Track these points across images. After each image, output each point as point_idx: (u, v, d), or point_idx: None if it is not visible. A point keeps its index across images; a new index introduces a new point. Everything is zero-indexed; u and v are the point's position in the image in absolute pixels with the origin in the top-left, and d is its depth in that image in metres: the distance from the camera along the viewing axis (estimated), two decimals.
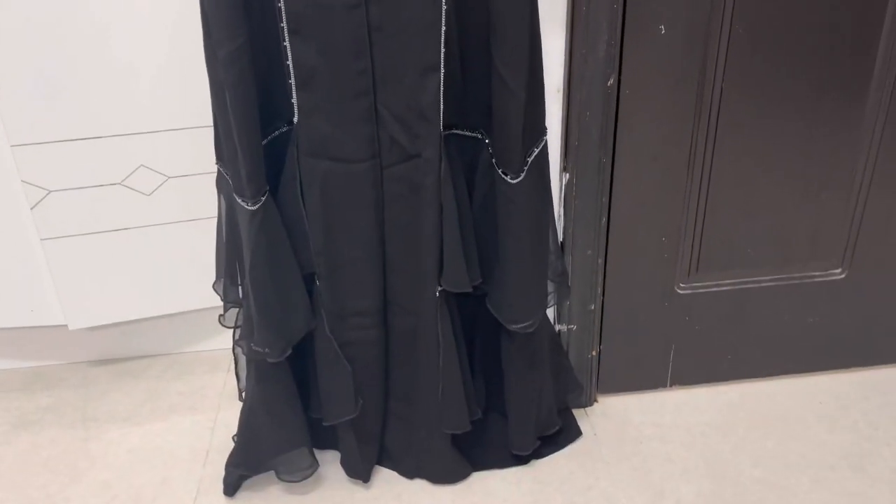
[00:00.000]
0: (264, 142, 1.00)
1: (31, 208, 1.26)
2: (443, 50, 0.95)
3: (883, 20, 1.11)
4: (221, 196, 1.05)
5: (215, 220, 1.14)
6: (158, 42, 1.17)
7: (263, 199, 0.97)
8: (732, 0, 1.07)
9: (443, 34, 0.94)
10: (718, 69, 1.12)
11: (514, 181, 1.01)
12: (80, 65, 1.17)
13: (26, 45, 1.14)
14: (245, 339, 1.09)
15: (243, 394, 1.18)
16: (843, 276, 1.31)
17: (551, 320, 1.28)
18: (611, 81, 1.09)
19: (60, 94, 1.18)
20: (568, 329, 1.28)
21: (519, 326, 1.09)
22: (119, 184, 1.28)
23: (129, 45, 1.17)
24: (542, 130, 1.04)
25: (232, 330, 1.14)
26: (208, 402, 1.38)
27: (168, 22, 1.16)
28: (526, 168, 1.02)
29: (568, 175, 1.17)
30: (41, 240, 1.29)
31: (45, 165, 1.23)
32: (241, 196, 0.97)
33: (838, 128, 1.19)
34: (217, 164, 1.03)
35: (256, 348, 1.05)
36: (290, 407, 1.13)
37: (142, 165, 1.27)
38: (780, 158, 1.20)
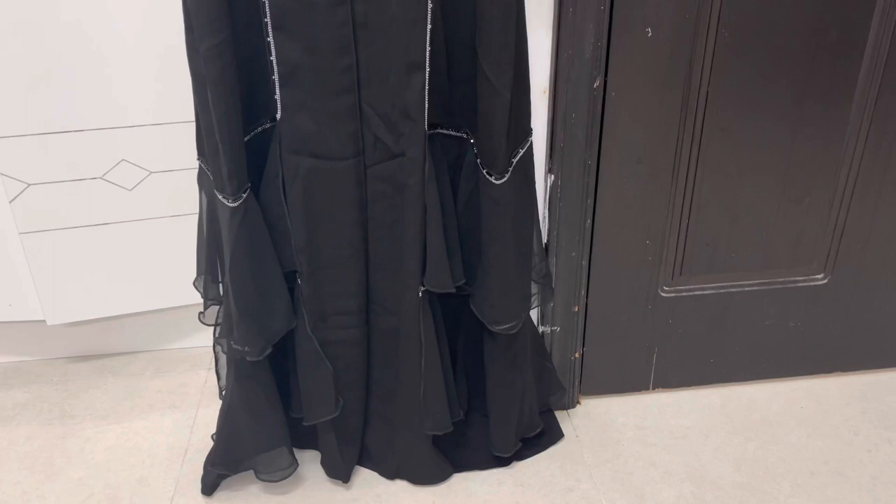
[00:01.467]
0: (247, 138, 0.99)
1: (10, 202, 1.24)
2: (428, 48, 0.94)
3: (869, 27, 1.11)
4: (203, 192, 1.04)
5: (194, 215, 1.13)
6: (140, 34, 1.16)
7: (245, 195, 0.96)
8: (718, 5, 1.07)
9: (428, 32, 0.94)
10: (704, 73, 1.12)
11: (499, 182, 1.00)
12: (61, 57, 1.15)
13: (6, 38, 1.12)
14: (225, 337, 1.08)
15: (223, 392, 1.17)
16: (825, 281, 1.31)
17: (535, 322, 1.28)
18: (597, 83, 1.09)
19: (41, 87, 1.17)
20: (551, 331, 1.28)
21: (502, 328, 1.09)
22: (100, 178, 1.26)
23: (111, 37, 1.15)
24: (528, 131, 1.03)
25: (212, 328, 1.13)
26: (188, 400, 1.37)
27: (150, 14, 1.14)
28: (511, 169, 1.01)
29: (553, 176, 1.16)
30: (19, 233, 1.27)
31: (25, 158, 1.22)
32: (222, 192, 0.96)
33: (822, 134, 1.19)
34: (198, 159, 1.02)
35: (236, 346, 1.04)
36: (270, 406, 1.12)
37: (123, 160, 1.26)
38: (763, 163, 1.20)
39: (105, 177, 1.26)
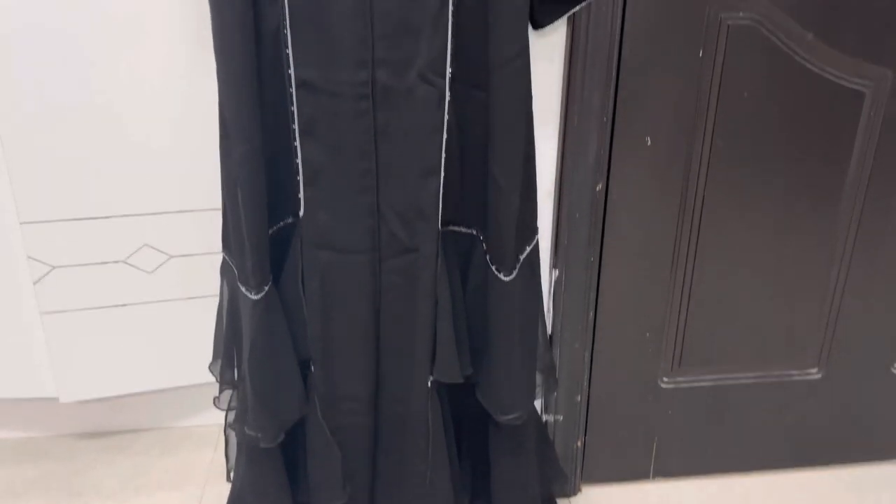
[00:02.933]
0: (270, 231, 1.04)
1: (34, 283, 1.29)
2: (443, 155, 1.01)
3: (855, 132, 1.18)
4: (225, 282, 1.09)
5: (212, 298, 1.18)
6: (167, 125, 1.22)
7: (266, 288, 1.01)
8: (714, 115, 1.15)
9: (444, 141, 1.01)
10: (700, 178, 1.19)
11: (507, 279, 1.06)
12: (91, 146, 1.21)
13: (40, 127, 1.18)
14: (239, 422, 1.11)
15: (231, 474, 1.19)
16: (819, 375, 1.35)
17: (538, 410, 1.31)
18: (599, 187, 1.15)
19: (72, 174, 1.22)
20: (554, 419, 1.31)
21: (508, 418, 1.12)
22: (122, 261, 1.31)
23: (140, 128, 1.22)
24: (534, 230, 1.09)
25: (225, 411, 1.16)
26: (195, 480, 1.38)
27: (177, 106, 1.21)
28: (518, 266, 1.07)
29: (557, 271, 1.22)
30: (41, 314, 1.31)
31: (52, 242, 1.27)
32: (245, 285, 1.01)
33: (813, 232, 1.25)
34: (223, 252, 1.07)
35: (250, 432, 1.07)
36: (279, 491, 1.14)
37: (146, 244, 1.31)
38: (758, 261, 1.26)
39: (127, 260, 1.31)
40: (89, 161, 1.22)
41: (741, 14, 1.08)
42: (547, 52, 1.09)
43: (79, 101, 1.18)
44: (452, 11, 0.94)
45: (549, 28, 1.05)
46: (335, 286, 1.07)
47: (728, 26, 1.09)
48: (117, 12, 1.13)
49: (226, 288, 1.09)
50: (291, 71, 0.96)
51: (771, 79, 1.13)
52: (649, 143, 1.14)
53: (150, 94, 1.19)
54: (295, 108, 0.98)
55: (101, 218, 1.27)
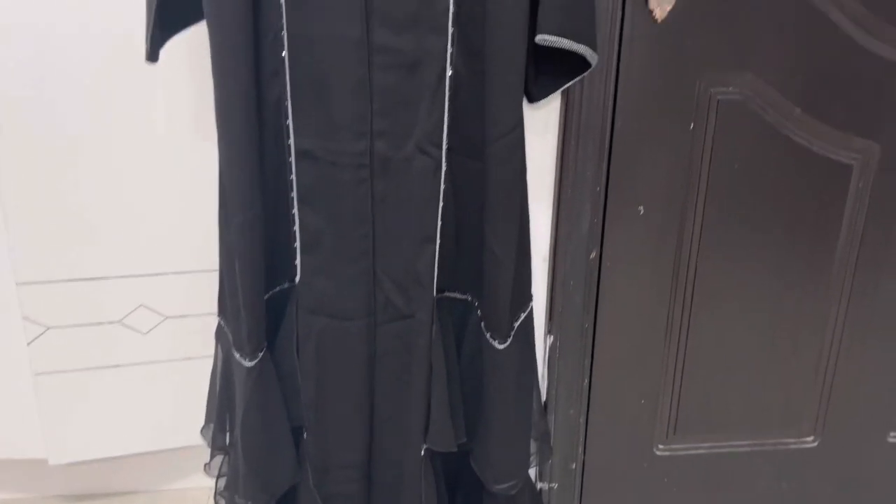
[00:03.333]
0: (266, 296, 1.05)
1: (28, 343, 1.28)
2: (440, 223, 1.03)
3: (845, 200, 1.20)
4: (220, 347, 1.09)
5: (206, 359, 1.17)
6: (165, 188, 1.23)
7: (261, 355, 1.01)
8: (705, 185, 1.17)
9: (440, 209, 1.02)
10: (693, 246, 1.20)
11: (502, 347, 1.06)
12: (90, 208, 1.22)
13: (39, 189, 1.19)
14: (229, 489, 1.09)
15: None
16: (815, 444, 1.34)
17: (533, 478, 1.29)
18: (593, 254, 1.17)
19: (70, 236, 1.23)
20: (549, 487, 1.30)
21: (502, 487, 1.11)
22: (118, 322, 1.31)
23: (138, 190, 1.22)
24: (529, 297, 1.10)
25: (215, 478, 1.14)
26: None
27: (177, 168, 1.21)
28: (512, 333, 1.07)
29: (552, 337, 1.22)
30: (34, 374, 1.30)
31: (48, 302, 1.27)
32: (239, 351, 1.01)
33: (806, 301, 1.26)
34: (219, 316, 1.08)
35: (240, 501, 1.06)
36: None
37: (142, 305, 1.31)
38: (752, 328, 1.26)
39: (123, 321, 1.31)
40: (85, 222, 1.23)
41: (731, 89, 1.12)
42: (541, 123, 1.12)
43: (76, 162, 1.19)
44: (449, 86, 0.97)
45: (543, 101, 1.08)
46: (330, 352, 1.07)
47: (718, 101, 1.12)
48: (118, 75, 1.14)
49: (220, 353, 1.09)
50: (291, 141, 0.98)
51: (761, 151, 1.15)
52: (642, 211, 1.16)
53: (149, 156, 1.20)
54: (294, 177, 0.99)
55: (99, 279, 1.28)
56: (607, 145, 1.12)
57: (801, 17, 1.08)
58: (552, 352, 1.23)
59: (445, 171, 1.01)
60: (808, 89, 1.13)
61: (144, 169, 1.22)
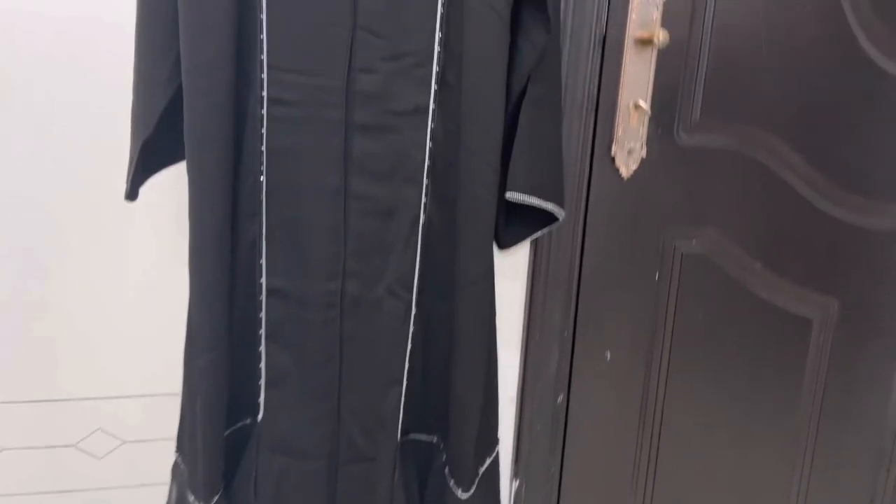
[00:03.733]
0: (226, 432, 1.03)
1: None
2: (407, 365, 1.03)
3: (805, 357, 1.23)
4: (175, 486, 1.06)
5: (162, 486, 1.13)
6: (124, 312, 1.22)
7: (216, 499, 0.98)
8: (671, 333, 1.19)
9: (408, 352, 1.02)
10: (660, 391, 1.21)
11: (465, 496, 1.04)
12: (49, 328, 1.20)
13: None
14: None
15: None
16: None
17: None
18: (560, 398, 1.17)
19: (27, 357, 1.21)
20: None
21: None
22: (73, 446, 1.27)
23: (95, 315, 1.21)
24: (495, 441, 1.09)
25: None
26: None
27: (139, 291, 1.21)
28: (477, 480, 1.05)
29: (518, 482, 1.20)
30: None
31: (3, 423, 1.23)
32: (194, 493, 0.98)
33: (771, 447, 1.27)
34: (177, 453, 1.05)
35: None
36: None
37: (100, 429, 1.28)
38: (718, 474, 1.26)
39: (78, 445, 1.28)
40: (43, 344, 1.21)
41: (693, 242, 1.16)
42: (511, 268, 1.14)
43: (36, 288, 1.19)
44: (422, 233, 1.00)
45: (513, 248, 1.11)
46: (290, 493, 1.04)
47: (682, 254, 1.16)
48: (89, 200, 1.15)
49: (175, 492, 1.05)
50: (263, 280, 0.99)
51: (723, 303, 1.18)
52: (609, 357, 1.17)
53: (112, 279, 1.20)
54: (263, 314, 1.00)
55: (57, 400, 1.25)
56: (575, 292, 1.14)
57: (757, 178, 1.14)
58: (517, 497, 1.21)
59: (415, 315, 1.02)
60: (769, 244, 1.18)
61: (107, 291, 1.21)
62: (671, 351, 1.19)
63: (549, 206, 1.00)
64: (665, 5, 1.05)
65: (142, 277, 1.19)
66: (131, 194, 0.99)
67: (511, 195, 0.99)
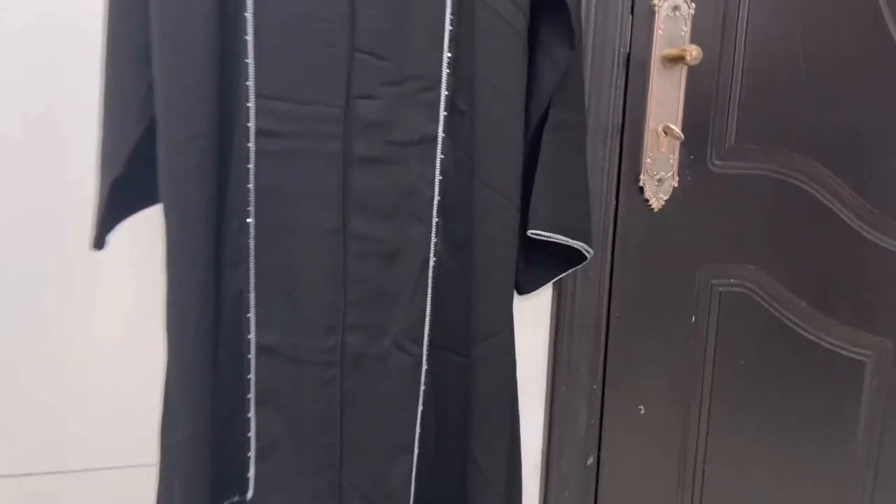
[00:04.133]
0: None
1: None
2: (418, 430, 0.91)
3: (859, 404, 1.11)
4: None
5: None
6: (92, 377, 1.10)
7: None
8: (710, 382, 1.08)
9: (419, 414, 0.91)
10: (700, 448, 1.10)
11: None
12: (18, 399, 1.08)
13: None
14: None
15: None
16: None
17: None
18: (590, 460, 1.05)
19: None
20: None
21: None
22: None
23: (58, 381, 1.10)
24: None
25: None
26: None
27: (102, 354, 1.10)
28: None
29: None
30: None
31: None
32: None
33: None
34: None
35: None
36: None
37: None
38: None
39: None
40: (15, 413, 1.09)
41: (732, 280, 1.05)
42: (531, 316, 1.04)
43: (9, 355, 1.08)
44: (432, 277, 0.89)
45: (534, 292, 1.00)
46: None
47: (720, 293, 1.05)
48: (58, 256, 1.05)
49: None
50: (252, 336, 0.87)
51: (767, 345, 1.08)
52: (643, 411, 1.06)
53: (82, 345, 1.08)
54: (252, 376, 0.88)
55: (23, 475, 1.12)
56: (603, 339, 1.03)
57: (800, 208, 1.05)
58: None
59: (426, 371, 0.90)
60: (814, 282, 1.08)
61: (72, 351, 1.09)
62: (711, 402, 1.08)
63: (576, 243, 0.89)
64: (693, 19, 0.95)
65: (111, 335, 1.08)
66: (98, 242, 0.87)
67: (533, 232, 0.88)
